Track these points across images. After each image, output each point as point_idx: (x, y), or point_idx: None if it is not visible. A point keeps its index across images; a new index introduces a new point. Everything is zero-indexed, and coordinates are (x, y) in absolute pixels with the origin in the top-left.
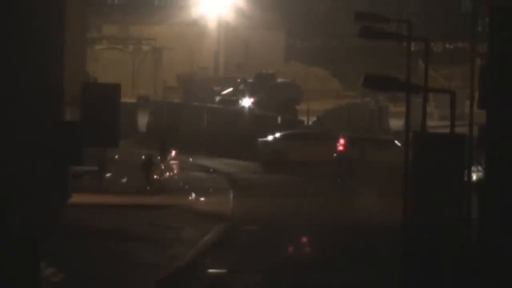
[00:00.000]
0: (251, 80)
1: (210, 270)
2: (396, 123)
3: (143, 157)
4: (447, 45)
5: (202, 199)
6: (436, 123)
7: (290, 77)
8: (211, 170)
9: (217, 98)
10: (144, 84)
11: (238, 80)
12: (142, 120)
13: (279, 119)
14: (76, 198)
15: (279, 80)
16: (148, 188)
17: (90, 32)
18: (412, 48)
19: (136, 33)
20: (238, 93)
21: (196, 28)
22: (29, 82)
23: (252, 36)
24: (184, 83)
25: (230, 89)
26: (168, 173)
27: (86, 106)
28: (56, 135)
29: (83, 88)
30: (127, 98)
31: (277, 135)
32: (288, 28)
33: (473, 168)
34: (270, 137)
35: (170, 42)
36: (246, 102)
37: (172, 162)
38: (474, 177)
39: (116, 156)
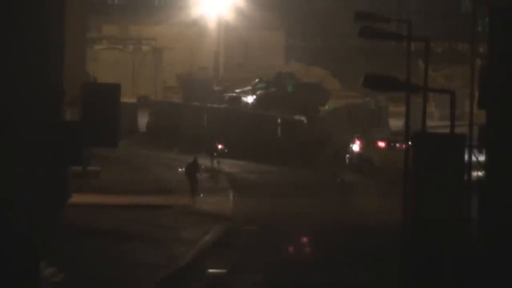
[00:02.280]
0: (267, 79)
1: (210, 270)
2: (396, 123)
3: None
4: (447, 46)
5: (202, 199)
6: (436, 123)
7: (317, 78)
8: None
9: (227, 96)
10: (144, 84)
11: (256, 80)
12: (142, 120)
13: (278, 119)
14: (76, 198)
15: (304, 80)
16: (194, 194)
17: (90, 32)
18: (412, 48)
19: (136, 33)
20: (255, 92)
21: (196, 28)
22: (29, 82)
23: (252, 36)
24: (184, 83)
25: (248, 88)
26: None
27: (86, 106)
28: (56, 135)
29: (83, 88)
30: (127, 98)
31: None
32: (288, 28)
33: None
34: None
35: (170, 42)
36: (250, 99)
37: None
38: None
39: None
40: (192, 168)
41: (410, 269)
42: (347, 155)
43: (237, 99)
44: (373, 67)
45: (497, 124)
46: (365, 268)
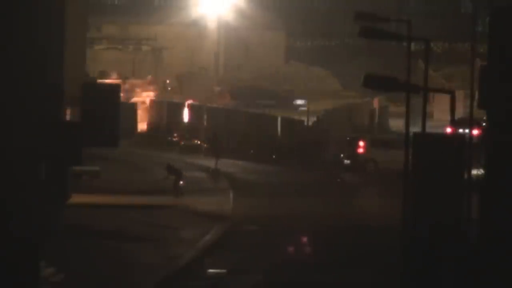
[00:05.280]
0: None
1: (210, 270)
2: (396, 123)
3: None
4: (447, 46)
5: (202, 199)
6: (436, 123)
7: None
8: (211, 170)
9: None
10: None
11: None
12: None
13: (279, 119)
14: (76, 198)
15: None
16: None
17: (90, 32)
18: (412, 48)
19: (136, 33)
20: None
21: (196, 28)
22: (29, 82)
23: (252, 37)
24: (183, 83)
25: None
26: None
27: (86, 106)
28: (56, 135)
29: (83, 88)
30: None
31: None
32: (288, 28)
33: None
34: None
35: (170, 42)
36: None
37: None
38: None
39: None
40: (174, 169)
41: (410, 269)
42: (342, 155)
43: None
44: (373, 67)
45: (497, 124)
46: (365, 268)
